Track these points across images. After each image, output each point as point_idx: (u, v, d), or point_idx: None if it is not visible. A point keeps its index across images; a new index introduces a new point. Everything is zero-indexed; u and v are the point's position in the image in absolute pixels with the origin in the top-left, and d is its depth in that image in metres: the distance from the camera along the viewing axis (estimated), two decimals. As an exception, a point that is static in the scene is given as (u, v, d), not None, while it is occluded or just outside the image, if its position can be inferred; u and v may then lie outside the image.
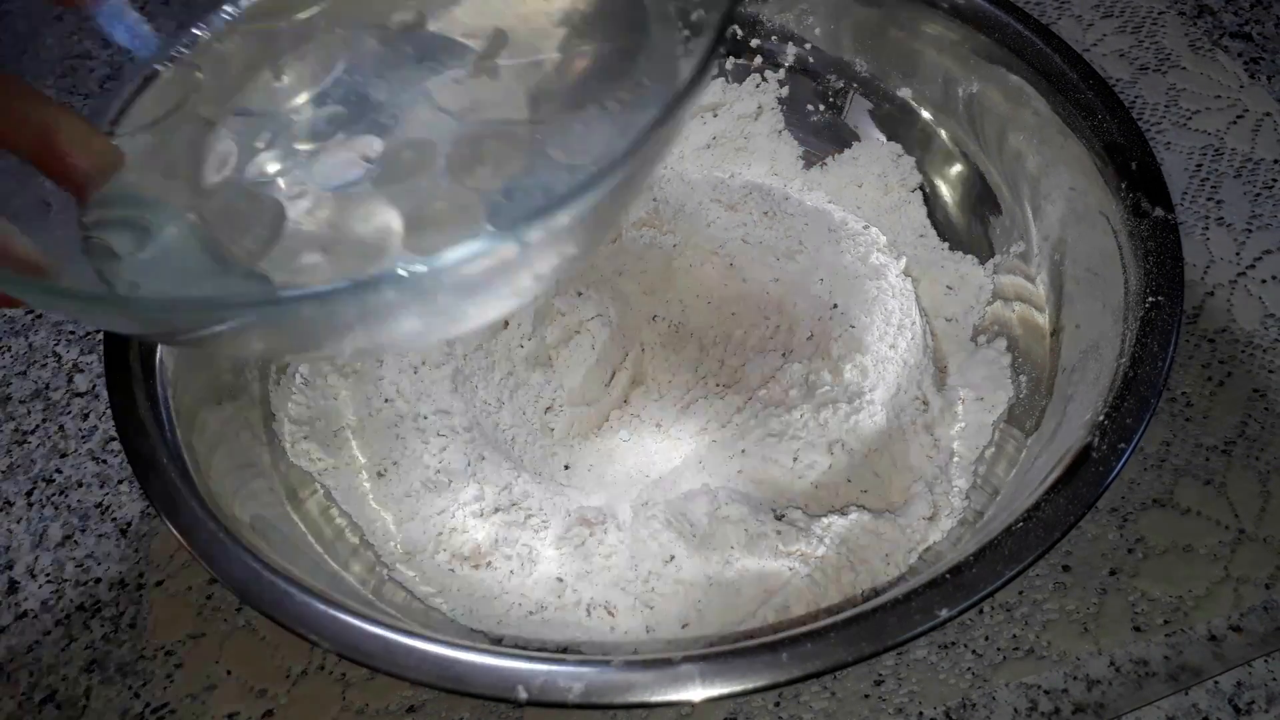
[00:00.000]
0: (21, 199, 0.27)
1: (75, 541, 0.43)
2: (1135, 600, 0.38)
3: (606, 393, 0.45)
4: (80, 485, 0.45)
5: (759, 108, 0.51)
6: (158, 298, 0.25)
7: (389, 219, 0.26)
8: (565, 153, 0.28)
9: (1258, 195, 0.50)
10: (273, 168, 0.28)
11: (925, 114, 0.47)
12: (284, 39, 0.32)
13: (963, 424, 0.41)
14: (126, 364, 0.35)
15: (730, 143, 0.51)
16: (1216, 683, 0.37)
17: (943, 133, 0.47)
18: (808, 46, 0.49)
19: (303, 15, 0.32)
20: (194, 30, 0.32)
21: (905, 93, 0.47)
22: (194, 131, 0.30)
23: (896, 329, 0.42)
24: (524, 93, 0.30)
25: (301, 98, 0.30)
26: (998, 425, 0.40)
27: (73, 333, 0.50)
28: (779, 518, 0.37)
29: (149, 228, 0.28)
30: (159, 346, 0.36)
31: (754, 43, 0.50)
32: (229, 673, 0.39)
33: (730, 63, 0.51)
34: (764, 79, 0.51)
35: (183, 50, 0.32)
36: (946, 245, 0.47)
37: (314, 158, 0.28)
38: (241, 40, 0.32)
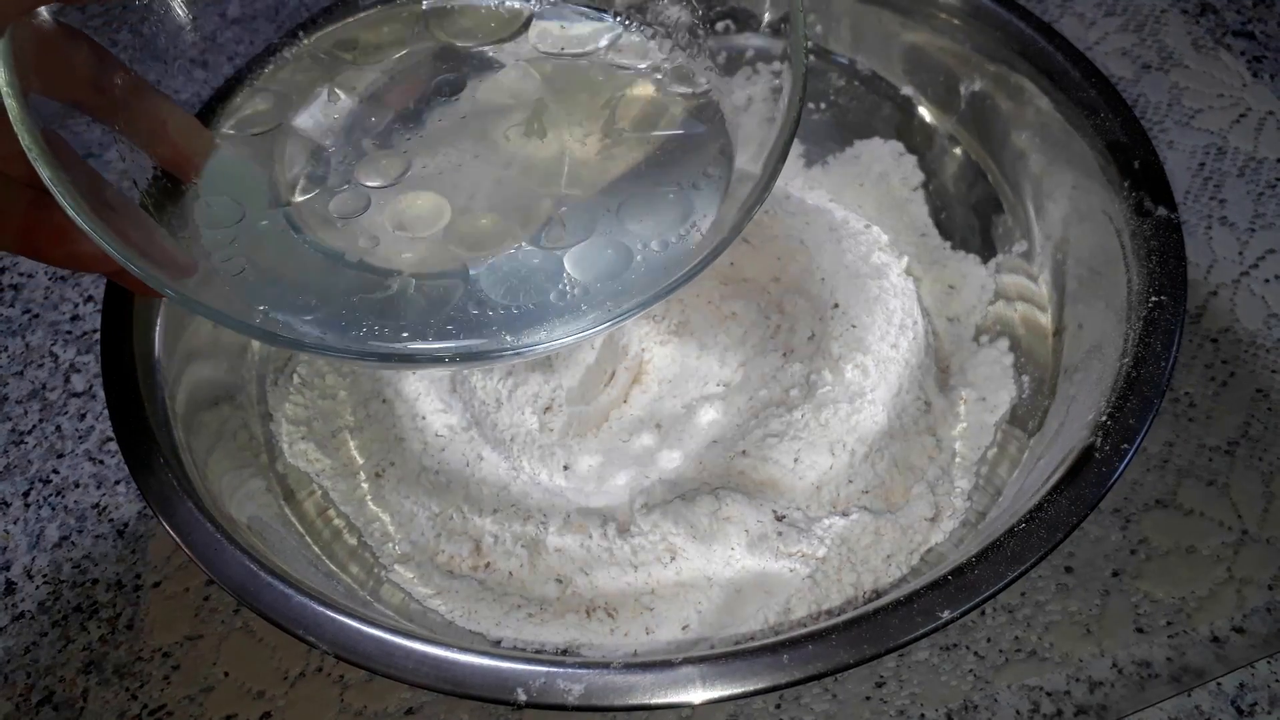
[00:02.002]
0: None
1: (72, 542, 0.43)
2: (1138, 601, 0.38)
3: (606, 393, 0.44)
4: (77, 486, 0.45)
5: (749, 98, 0.50)
6: (376, 349, 0.28)
7: (462, 264, 0.29)
8: (640, 226, 0.30)
9: (1261, 194, 0.49)
10: (352, 204, 0.31)
11: (927, 112, 0.47)
12: (367, 78, 0.35)
13: (965, 424, 0.41)
14: (124, 364, 0.35)
15: (731, 142, 0.51)
16: (1219, 684, 0.37)
17: (944, 131, 0.47)
18: (809, 45, 0.49)
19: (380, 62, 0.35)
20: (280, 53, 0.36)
21: (907, 91, 0.47)
22: (284, 148, 0.32)
23: (898, 329, 0.41)
24: (589, 161, 0.32)
25: (377, 142, 0.33)
26: (1000, 425, 0.40)
27: (69, 333, 0.50)
28: (780, 518, 0.37)
29: (243, 218, 0.30)
30: (156, 347, 0.36)
31: (747, 36, 0.50)
32: (226, 674, 0.39)
33: (723, 56, 0.50)
34: (755, 70, 0.50)
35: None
36: (948, 244, 0.47)
37: (390, 202, 0.31)
38: (320, 69, 0.35)
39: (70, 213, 0.24)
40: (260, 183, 0.31)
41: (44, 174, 0.24)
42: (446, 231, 0.30)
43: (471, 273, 0.29)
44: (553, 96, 0.33)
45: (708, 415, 0.43)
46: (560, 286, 0.29)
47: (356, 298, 0.28)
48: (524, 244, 0.30)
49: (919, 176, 0.48)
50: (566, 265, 0.29)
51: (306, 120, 0.33)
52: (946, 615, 0.28)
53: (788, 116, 0.29)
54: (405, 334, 0.28)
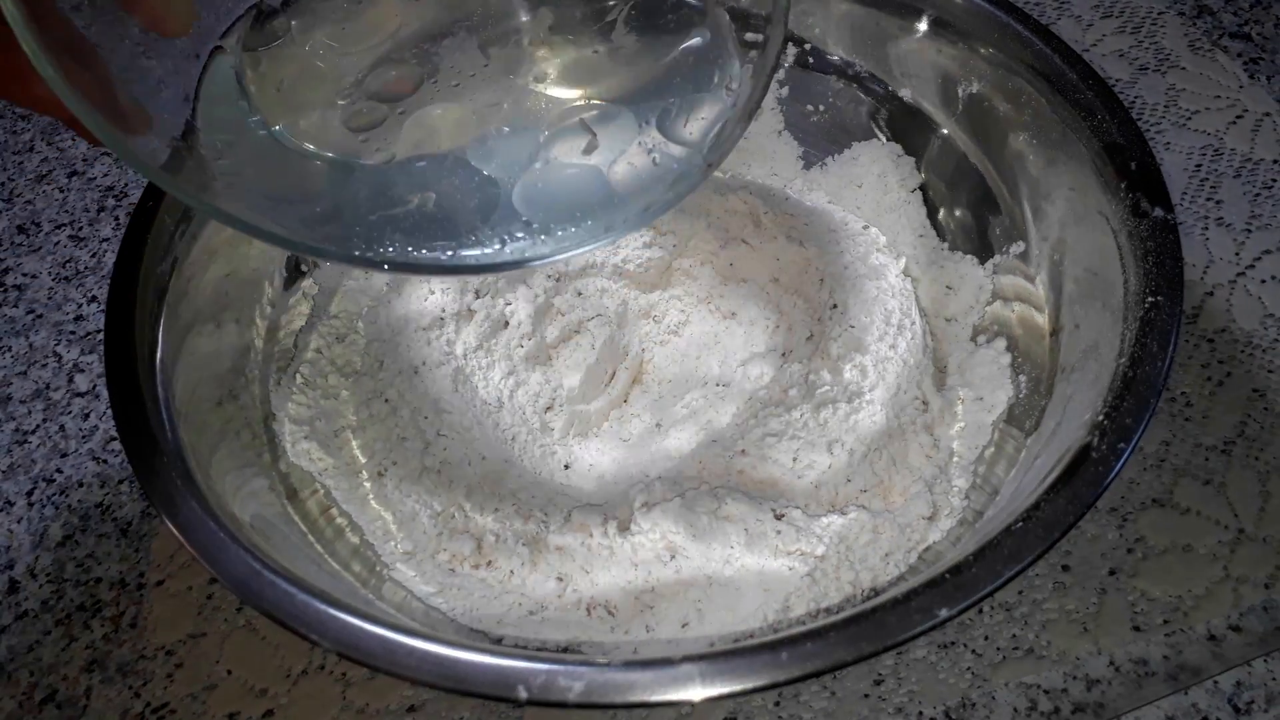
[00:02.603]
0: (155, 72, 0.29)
1: (76, 541, 0.43)
2: (1135, 600, 0.38)
3: (606, 392, 0.45)
4: (81, 485, 0.45)
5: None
6: (411, 260, 0.27)
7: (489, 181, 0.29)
8: (675, 132, 0.30)
9: (1257, 195, 0.50)
10: (367, 118, 0.30)
11: (925, 114, 0.47)
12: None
13: (962, 424, 0.41)
14: (127, 364, 0.35)
15: (730, 143, 0.51)
16: (1216, 682, 0.37)
17: (943, 133, 0.47)
18: (808, 46, 0.49)
19: None
20: None
21: (905, 93, 0.47)
22: (292, 61, 0.32)
23: (896, 329, 0.42)
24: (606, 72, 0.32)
25: (389, 55, 0.32)
26: (997, 425, 0.40)
27: (73, 333, 0.50)
28: (779, 517, 0.37)
29: (244, 127, 0.30)
30: (160, 348, 0.36)
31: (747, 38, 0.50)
32: (229, 672, 0.39)
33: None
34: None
35: None
36: (946, 245, 0.47)
37: (409, 116, 0.30)
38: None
39: (27, 51, 0.23)
40: (263, 94, 0.31)
41: (4, 8, 0.23)
42: (472, 146, 0.30)
43: (502, 185, 0.29)
44: (555, 8, 0.33)
45: (707, 414, 0.43)
46: (601, 193, 0.29)
47: (376, 215, 0.28)
48: (556, 157, 0.30)
49: (917, 178, 0.48)
50: (607, 175, 0.29)
51: (313, 33, 0.32)
52: (944, 613, 0.28)
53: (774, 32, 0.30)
54: (442, 245, 0.28)
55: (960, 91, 0.45)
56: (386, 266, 0.28)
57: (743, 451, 0.40)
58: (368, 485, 0.40)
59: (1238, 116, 0.53)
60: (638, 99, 0.31)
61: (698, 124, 0.30)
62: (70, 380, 0.49)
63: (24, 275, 0.53)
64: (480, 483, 0.40)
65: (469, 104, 0.31)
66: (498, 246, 0.28)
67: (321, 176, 0.29)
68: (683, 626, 0.36)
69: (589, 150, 0.30)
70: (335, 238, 0.28)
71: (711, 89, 0.31)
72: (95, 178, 0.57)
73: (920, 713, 0.37)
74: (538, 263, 0.28)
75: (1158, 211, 0.36)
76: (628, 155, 0.30)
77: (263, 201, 0.28)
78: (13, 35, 0.24)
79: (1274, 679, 0.37)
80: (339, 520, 0.40)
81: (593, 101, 0.31)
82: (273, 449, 0.40)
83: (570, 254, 0.28)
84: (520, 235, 0.28)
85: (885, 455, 0.39)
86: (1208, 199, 0.50)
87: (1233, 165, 0.51)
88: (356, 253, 0.27)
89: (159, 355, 0.36)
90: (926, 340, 0.43)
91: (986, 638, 0.38)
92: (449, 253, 0.27)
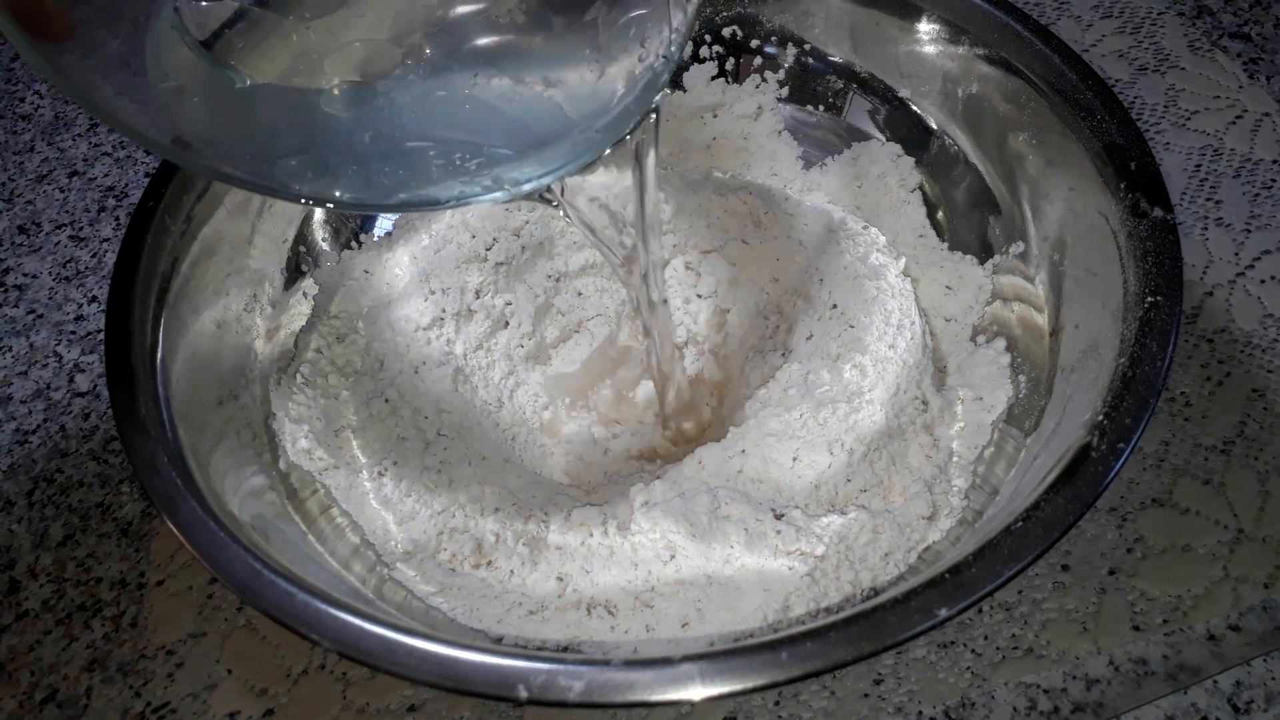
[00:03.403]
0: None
1: (76, 541, 0.43)
2: (1134, 600, 0.38)
3: (606, 392, 0.45)
4: (81, 485, 0.45)
5: (759, 108, 0.51)
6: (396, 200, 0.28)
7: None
8: (626, 59, 0.31)
9: (1256, 195, 0.50)
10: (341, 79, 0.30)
11: (925, 114, 0.47)
12: None
13: (962, 424, 0.41)
14: (128, 364, 0.35)
15: (730, 143, 0.51)
16: (1215, 682, 0.37)
17: (942, 133, 0.47)
18: (807, 47, 0.49)
19: None
20: None
21: (905, 93, 0.47)
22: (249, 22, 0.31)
23: (896, 329, 0.42)
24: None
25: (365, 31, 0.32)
26: (997, 425, 0.40)
27: (73, 333, 0.51)
28: (779, 517, 0.37)
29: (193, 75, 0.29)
30: (160, 348, 0.36)
31: (753, 43, 0.50)
32: (230, 672, 0.39)
33: (730, 63, 0.51)
34: (764, 79, 0.51)
35: None
36: (946, 245, 0.47)
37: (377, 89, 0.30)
38: None
39: None
40: (214, 49, 0.30)
41: None
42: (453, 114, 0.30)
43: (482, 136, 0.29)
44: None
45: (706, 414, 0.43)
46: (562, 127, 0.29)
47: (349, 160, 0.28)
48: (527, 86, 0.30)
49: (916, 178, 0.48)
50: (566, 107, 0.29)
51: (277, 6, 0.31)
52: (944, 613, 0.29)
53: None
54: (424, 187, 0.28)
55: (960, 91, 0.45)
56: (331, 205, 0.28)
57: (742, 451, 0.40)
58: (368, 485, 0.40)
59: (1237, 116, 0.53)
60: (581, 51, 0.31)
61: (631, 78, 0.30)
62: (70, 380, 0.49)
63: (24, 275, 0.53)
64: (480, 483, 0.40)
65: (443, 81, 0.31)
66: (472, 182, 0.28)
67: (303, 123, 0.29)
68: (683, 626, 0.36)
69: (555, 99, 0.30)
70: (319, 181, 0.27)
71: (642, 50, 0.31)
72: (95, 178, 0.57)
73: (920, 712, 0.37)
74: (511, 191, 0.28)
75: (1157, 211, 0.36)
76: (583, 99, 0.30)
77: (217, 139, 0.28)
78: None
79: (1274, 679, 0.37)
80: (339, 520, 0.40)
81: (549, 58, 0.31)
82: (273, 449, 0.40)
83: (547, 179, 0.28)
84: (490, 169, 0.28)
85: (885, 455, 0.39)
86: (1207, 199, 0.50)
87: (1232, 165, 0.51)
88: (337, 193, 0.27)
89: (159, 355, 0.36)
90: (926, 340, 0.43)
91: (986, 638, 0.38)
92: (426, 191, 0.27)
